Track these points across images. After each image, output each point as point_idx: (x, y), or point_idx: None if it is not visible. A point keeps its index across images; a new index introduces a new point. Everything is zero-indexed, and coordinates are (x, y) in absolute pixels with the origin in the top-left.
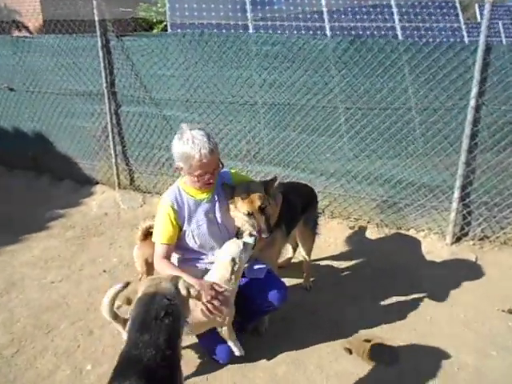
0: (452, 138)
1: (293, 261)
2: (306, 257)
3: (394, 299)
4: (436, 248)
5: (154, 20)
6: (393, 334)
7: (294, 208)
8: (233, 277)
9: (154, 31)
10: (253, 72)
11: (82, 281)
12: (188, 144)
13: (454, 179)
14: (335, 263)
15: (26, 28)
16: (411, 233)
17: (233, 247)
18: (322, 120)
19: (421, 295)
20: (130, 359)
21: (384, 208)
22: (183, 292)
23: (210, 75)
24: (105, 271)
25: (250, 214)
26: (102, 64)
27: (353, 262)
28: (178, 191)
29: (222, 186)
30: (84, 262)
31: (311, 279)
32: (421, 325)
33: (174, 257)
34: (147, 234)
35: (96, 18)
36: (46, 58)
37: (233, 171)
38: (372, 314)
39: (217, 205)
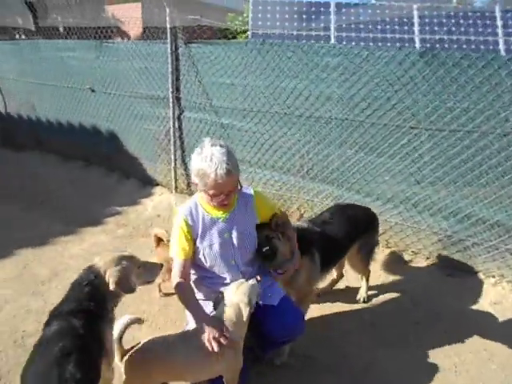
0: None
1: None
2: (364, 281)
3: (440, 354)
4: (507, 300)
5: (238, 30)
6: None
7: (338, 236)
8: (246, 321)
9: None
10: (310, 83)
11: None
12: (206, 161)
13: None
14: (380, 298)
15: (127, 35)
16: (478, 277)
17: (248, 287)
18: (382, 139)
19: (477, 356)
20: (54, 310)
21: (447, 244)
22: (106, 279)
23: (267, 84)
24: None
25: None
26: (169, 69)
27: (400, 300)
28: (194, 205)
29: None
30: None
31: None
32: None
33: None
34: (160, 241)
35: (168, 26)
36: (122, 63)
37: (256, 190)
38: (408, 366)
39: (234, 226)
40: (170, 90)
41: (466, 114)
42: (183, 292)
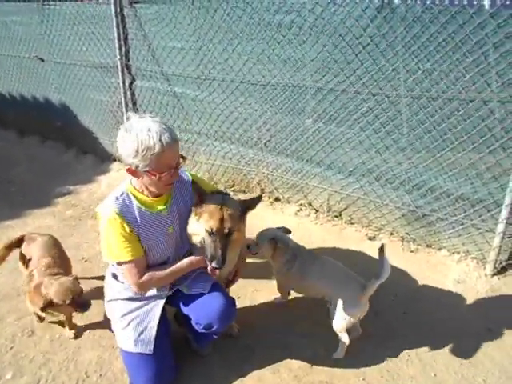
0: (505, 139)
1: None
2: None
3: (394, 339)
4: (471, 278)
5: None
6: None
7: None
8: None
9: None
10: (265, 46)
11: None
12: (143, 135)
13: (503, 194)
14: None
15: None
16: (442, 253)
17: None
18: (341, 107)
19: (433, 341)
20: None
21: (411, 220)
22: None
23: (220, 50)
24: (83, 258)
25: (212, 234)
26: (115, 34)
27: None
28: (126, 198)
29: (193, 185)
30: (68, 246)
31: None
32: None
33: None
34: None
35: None
36: (68, 27)
37: (192, 173)
38: (355, 355)
39: (177, 217)
40: (118, 56)
41: (429, 77)
42: (155, 279)
